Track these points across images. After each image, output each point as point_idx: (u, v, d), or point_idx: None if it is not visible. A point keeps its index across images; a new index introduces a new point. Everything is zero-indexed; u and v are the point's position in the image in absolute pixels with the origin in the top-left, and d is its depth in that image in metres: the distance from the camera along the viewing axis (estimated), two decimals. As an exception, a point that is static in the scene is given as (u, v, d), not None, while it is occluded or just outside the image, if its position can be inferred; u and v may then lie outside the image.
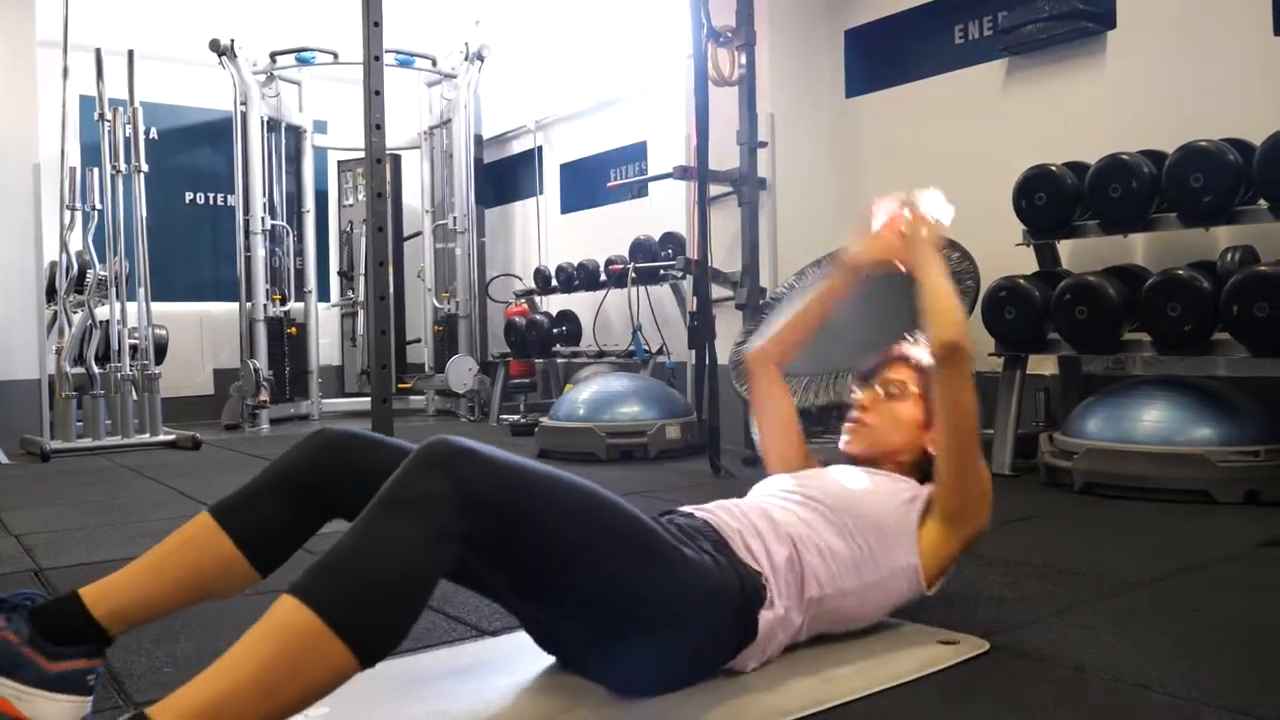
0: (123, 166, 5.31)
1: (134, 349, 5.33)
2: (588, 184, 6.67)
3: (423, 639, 1.66)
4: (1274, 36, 3.28)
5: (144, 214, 5.42)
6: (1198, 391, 3.01)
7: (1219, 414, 2.92)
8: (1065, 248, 3.64)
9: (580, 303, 6.12)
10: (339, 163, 7.75)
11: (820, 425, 3.70)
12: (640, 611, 1.26)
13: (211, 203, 7.44)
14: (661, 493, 3.32)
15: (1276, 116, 2.96)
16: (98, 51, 5.28)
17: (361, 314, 7.49)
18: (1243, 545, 2.30)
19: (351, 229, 7.55)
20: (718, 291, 4.34)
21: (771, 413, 1.89)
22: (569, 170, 6.92)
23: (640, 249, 5.47)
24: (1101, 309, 3.10)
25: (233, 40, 6.38)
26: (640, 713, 1.30)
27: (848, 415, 1.77)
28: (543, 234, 7.07)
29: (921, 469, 1.68)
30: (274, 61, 6.83)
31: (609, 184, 6.19)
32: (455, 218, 6.97)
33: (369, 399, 3.54)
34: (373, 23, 3.07)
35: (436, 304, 7.15)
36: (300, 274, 7.05)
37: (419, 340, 7.57)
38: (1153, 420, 2.97)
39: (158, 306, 5.61)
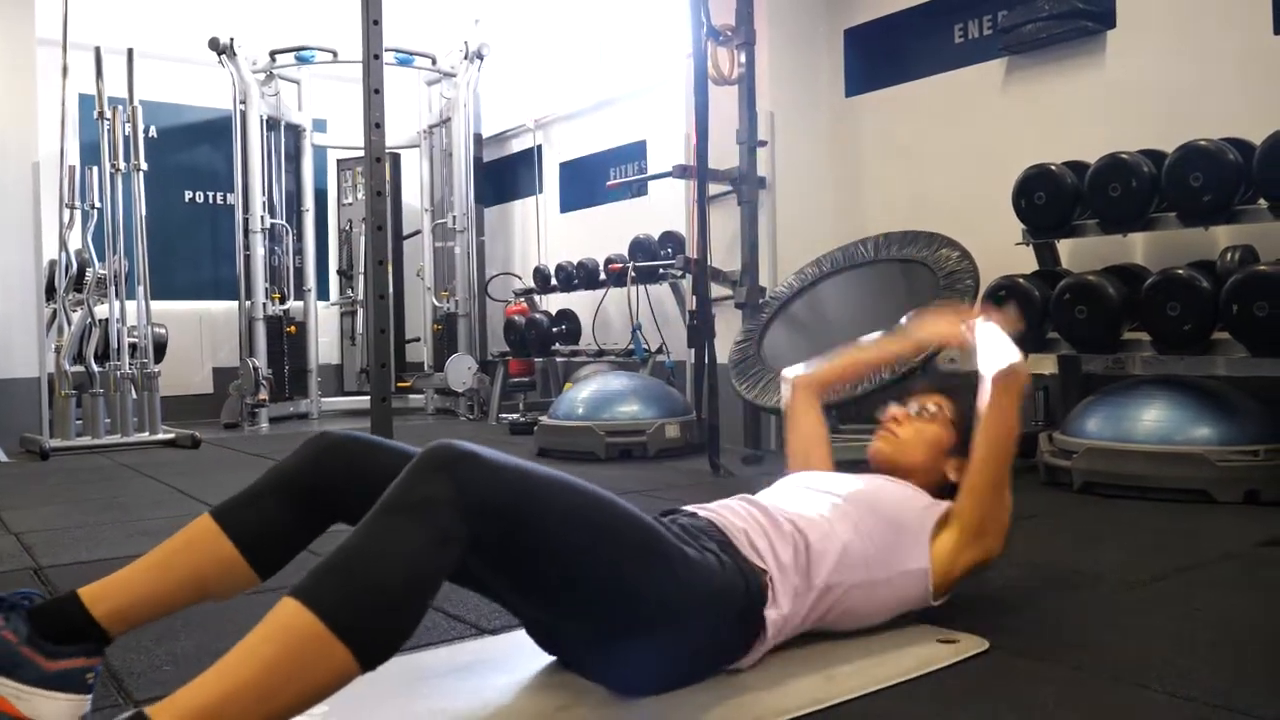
0: (122, 165, 5.30)
1: (133, 347, 5.33)
2: (587, 183, 6.67)
3: (422, 637, 1.66)
4: (1274, 36, 3.28)
5: (143, 212, 5.42)
6: (1197, 391, 3.01)
7: (1218, 413, 2.92)
8: (1065, 247, 3.64)
9: (579, 302, 6.12)
10: (338, 161, 7.75)
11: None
12: (641, 612, 1.26)
13: (211, 201, 7.43)
14: (660, 492, 3.32)
15: (1276, 116, 2.96)
16: (97, 50, 5.28)
17: (361, 313, 7.49)
18: (1242, 545, 2.30)
19: (351, 227, 7.55)
20: (717, 290, 4.34)
21: (803, 430, 1.95)
22: (568, 169, 6.92)
23: (640, 248, 5.47)
24: (1101, 308, 3.10)
25: (232, 39, 6.38)
26: (640, 712, 1.30)
27: (880, 424, 1.81)
28: (542, 233, 7.07)
29: (937, 492, 1.70)
30: (273, 60, 6.83)
31: (608, 183, 6.18)
32: (454, 216, 6.97)
33: (368, 398, 3.54)
34: (372, 21, 3.07)
35: (436, 303, 7.15)
36: (299, 272, 7.04)
37: (418, 339, 7.57)
38: (1152, 420, 2.97)
39: (157, 305, 5.61)
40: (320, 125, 7.46)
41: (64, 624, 1.17)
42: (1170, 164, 3.04)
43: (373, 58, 3.07)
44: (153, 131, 6.84)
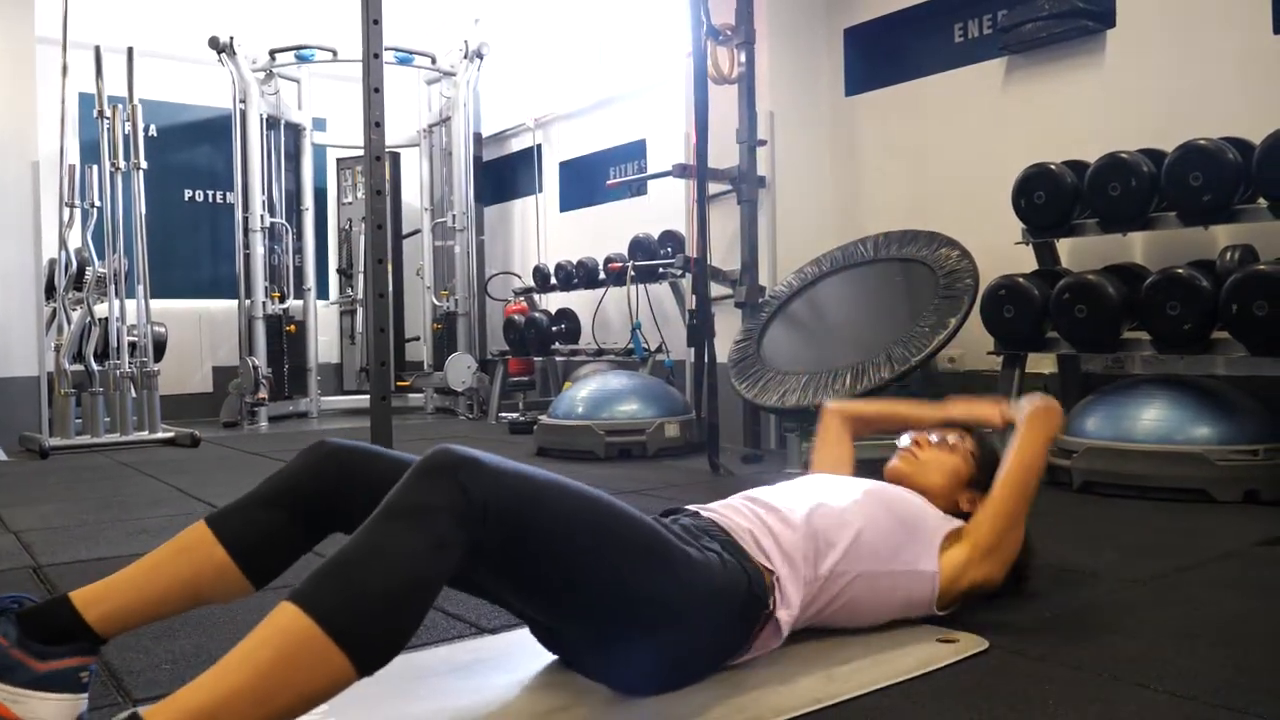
0: (122, 164, 5.30)
1: (133, 346, 5.33)
2: (587, 182, 6.67)
3: (421, 636, 1.66)
4: (1273, 35, 3.28)
5: (143, 211, 5.41)
6: (1197, 390, 3.01)
7: (1218, 413, 2.92)
8: (1064, 246, 3.64)
9: (579, 301, 6.12)
10: (338, 160, 7.74)
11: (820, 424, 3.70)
12: (643, 613, 1.26)
13: (210, 200, 7.43)
14: (660, 491, 3.32)
15: (1276, 115, 2.96)
16: (97, 49, 5.27)
17: (360, 311, 7.49)
18: (1241, 544, 2.30)
19: (350, 226, 7.55)
20: (717, 290, 4.34)
21: (834, 453, 2.01)
22: (568, 168, 6.92)
23: (639, 247, 5.47)
24: (1101, 308, 3.10)
25: (232, 38, 6.37)
26: (641, 711, 1.30)
27: (901, 445, 1.87)
28: (542, 232, 7.07)
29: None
30: (273, 59, 6.82)
31: (608, 182, 6.18)
32: (454, 215, 6.97)
33: (368, 397, 3.53)
34: (372, 20, 3.07)
35: (435, 302, 7.15)
36: (299, 271, 7.04)
37: (418, 338, 7.57)
38: (1152, 419, 2.97)
39: (157, 304, 5.61)
40: (320, 124, 7.45)
41: (55, 627, 1.17)
42: (1170, 163, 3.04)
43: (372, 57, 3.06)
44: (152, 130, 6.84)
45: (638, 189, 5.97)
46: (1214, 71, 3.41)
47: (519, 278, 6.91)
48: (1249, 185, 2.96)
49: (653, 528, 1.29)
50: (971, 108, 4.21)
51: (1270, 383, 3.01)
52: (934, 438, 1.84)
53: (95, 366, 5.18)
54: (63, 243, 5.19)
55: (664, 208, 5.54)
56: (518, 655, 1.51)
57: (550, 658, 1.48)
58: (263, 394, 6.29)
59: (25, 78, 5.24)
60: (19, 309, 5.21)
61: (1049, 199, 3.37)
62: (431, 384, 7.04)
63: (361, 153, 3.71)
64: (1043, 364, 3.66)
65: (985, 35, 4.19)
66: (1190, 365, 3.17)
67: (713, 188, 4.40)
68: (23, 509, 3.23)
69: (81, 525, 2.91)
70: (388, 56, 4.86)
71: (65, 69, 5.30)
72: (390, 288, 3.23)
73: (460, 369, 6.50)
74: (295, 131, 7.11)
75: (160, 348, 5.57)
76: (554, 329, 6.10)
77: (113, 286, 5.27)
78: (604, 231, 6.17)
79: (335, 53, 6.76)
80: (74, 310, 5.28)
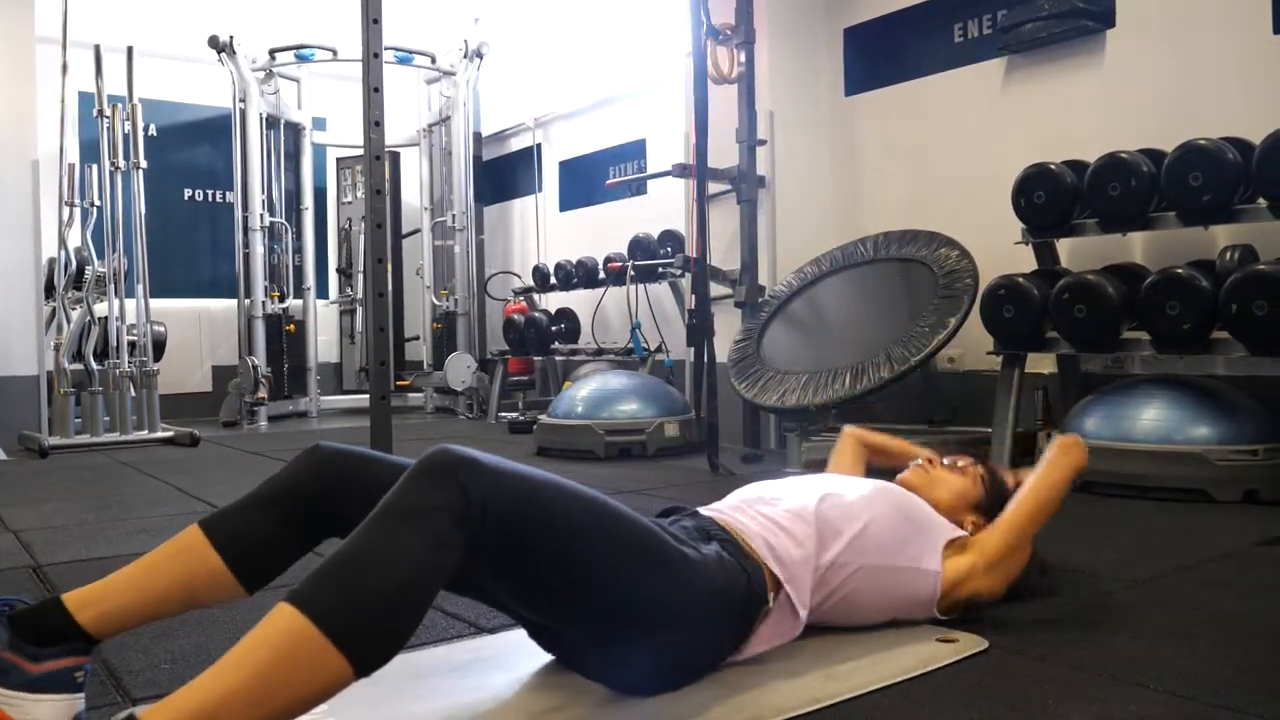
0: (121, 163, 5.30)
1: (132, 345, 5.33)
2: (587, 181, 6.67)
3: (420, 636, 1.65)
4: (1274, 35, 3.28)
5: (143, 210, 5.41)
6: (1196, 390, 3.01)
7: (1218, 413, 2.92)
8: (1064, 246, 3.63)
9: (579, 300, 6.12)
10: (338, 160, 7.74)
11: (820, 424, 3.71)
12: (642, 614, 1.26)
13: (210, 199, 7.43)
14: (659, 491, 3.32)
15: (1276, 115, 2.96)
16: (96, 48, 5.27)
17: (360, 311, 7.49)
18: (1241, 544, 2.30)
19: (350, 226, 7.54)
20: (716, 289, 4.34)
21: (845, 469, 2.05)
22: (568, 168, 6.92)
23: (639, 247, 5.47)
24: (1100, 307, 3.09)
25: (232, 37, 6.37)
26: (640, 711, 1.30)
27: (913, 462, 1.90)
28: (541, 231, 7.07)
29: None
30: (273, 58, 6.82)
31: (608, 182, 6.18)
32: (454, 215, 6.97)
33: (367, 396, 3.53)
34: (372, 20, 3.07)
35: (435, 301, 7.15)
36: (299, 271, 7.04)
37: (417, 338, 7.57)
38: (1151, 419, 2.97)
39: (156, 303, 5.61)
40: (320, 123, 7.45)
41: (47, 629, 1.16)
42: (1170, 163, 3.04)
43: (372, 56, 3.06)
44: (152, 129, 6.84)
45: (637, 188, 5.97)
46: (1214, 71, 3.41)
47: (519, 277, 6.91)
48: (1249, 185, 2.96)
49: (650, 528, 1.29)
50: (971, 108, 4.21)
51: (1270, 383, 3.01)
52: (945, 460, 1.87)
53: (95, 366, 5.18)
54: (62, 242, 5.19)
55: (664, 207, 5.54)
56: (516, 655, 1.51)
57: (549, 657, 1.47)
58: (262, 393, 6.29)
59: (25, 77, 5.24)
60: (18, 308, 5.21)
61: (1049, 199, 3.37)
62: (431, 383, 7.04)
63: (361, 152, 3.72)
64: (1042, 364, 3.66)
65: (985, 35, 4.19)
66: (1190, 365, 3.16)
67: (712, 187, 4.40)
68: (22, 508, 3.22)
69: (81, 524, 2.91)
70: (387, 56, 4.85)
71: (65, 68, 5.29)
72: (390, 287, 3.23)
73: (460, 368, 6.50)
74: (295, 131, 7.10)
75: (160, 347, 5.57)
76: (554, 329, 6.10)
77: (112, 286, 5.27)
78: (604, 231, 6.16)
79: (335, 52, 6.76)
80: (73, 309, 5.29)
